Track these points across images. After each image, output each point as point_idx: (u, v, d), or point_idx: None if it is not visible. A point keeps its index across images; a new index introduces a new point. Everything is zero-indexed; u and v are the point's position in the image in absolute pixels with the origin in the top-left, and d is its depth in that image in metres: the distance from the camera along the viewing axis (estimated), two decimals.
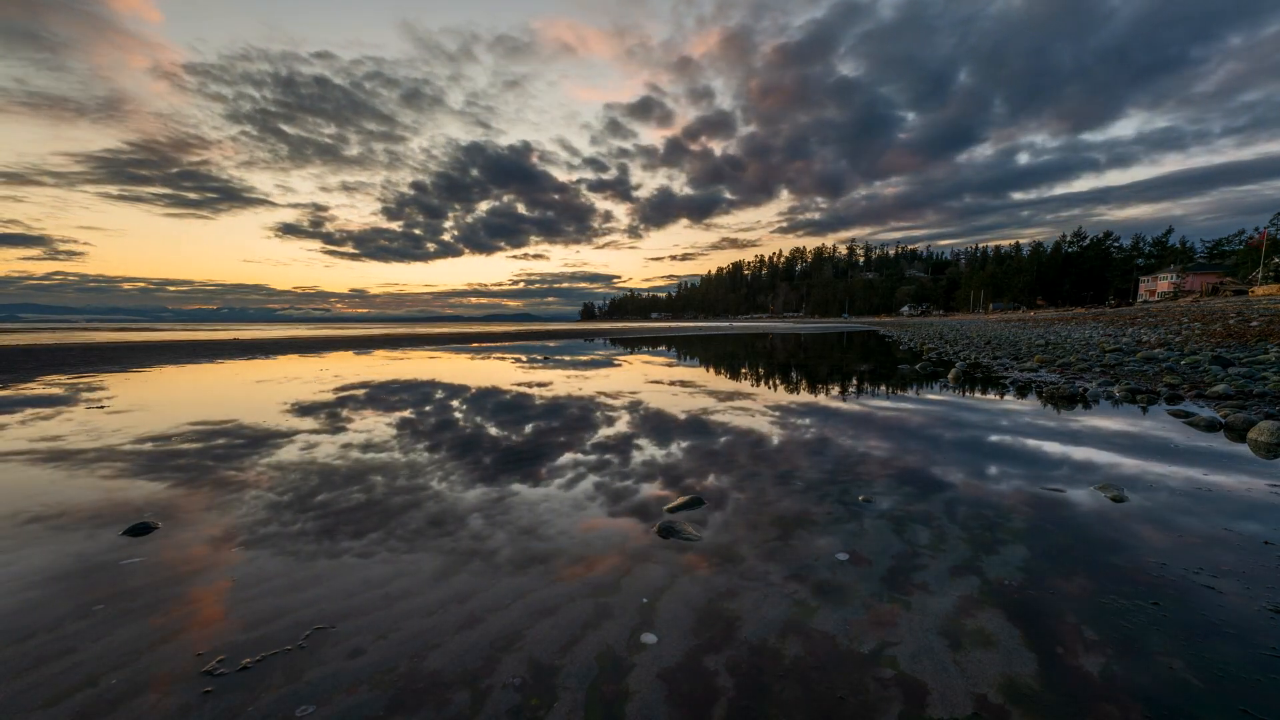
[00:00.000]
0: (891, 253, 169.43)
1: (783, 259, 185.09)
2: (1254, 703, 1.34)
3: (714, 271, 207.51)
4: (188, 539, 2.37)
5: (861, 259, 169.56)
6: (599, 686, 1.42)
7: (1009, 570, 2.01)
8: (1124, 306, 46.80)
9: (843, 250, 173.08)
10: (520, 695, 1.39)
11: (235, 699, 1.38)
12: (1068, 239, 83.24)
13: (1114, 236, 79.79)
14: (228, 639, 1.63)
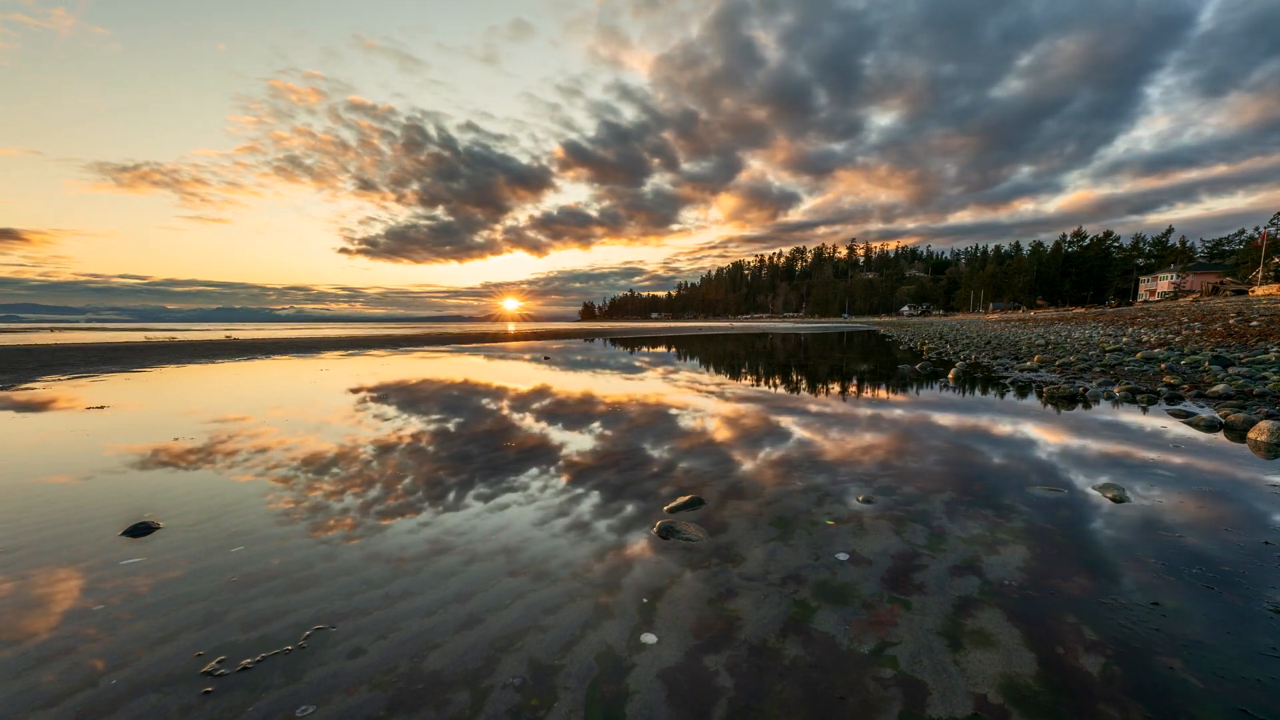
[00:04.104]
0: (892, 253, 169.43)
1: (783, 259, 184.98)
2: (1254, 703, 1.34)
3: (714, 271, 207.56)
4: (188, 539, 2.37)
5: (861, 259, 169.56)
6: (599, 686, 1.42)
7: (1009, 570, 2.01)
8: (1124, 306, 46.77)
9: (842, 250, 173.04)
10: (520, 695, 1.39)
11: (235, 699, 1.38)
12: (1068, 238, 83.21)
13: (1114, 236, 79.75)
14: (228, 639, 1.63)
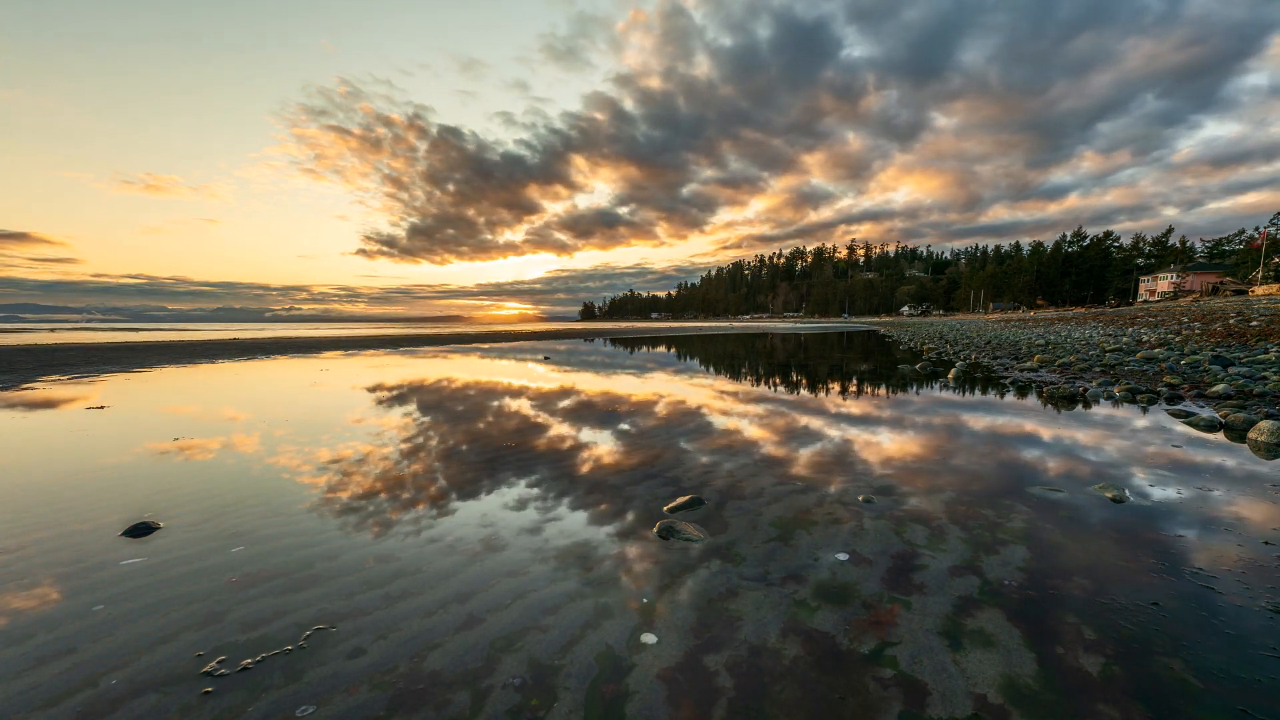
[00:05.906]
0: (892, 253, 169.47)
1: (782, 259, 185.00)
2: (1254, 703, 1.34)
3: (714, 271, 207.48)
4: (188, 539, 2.37)
5: (861, 259, 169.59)
6: (599, 686, 1.42)
7: (1009, 570, 2.01)
8: (1124, 306, 46.74)
9: (842, 251, 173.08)
10: (520, 695, 1.39)
11: (235, 699, 1.38)
12: (1068, 239, 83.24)
13: (1114, 236, 79.76)
14: (228, 639, 1.64)
